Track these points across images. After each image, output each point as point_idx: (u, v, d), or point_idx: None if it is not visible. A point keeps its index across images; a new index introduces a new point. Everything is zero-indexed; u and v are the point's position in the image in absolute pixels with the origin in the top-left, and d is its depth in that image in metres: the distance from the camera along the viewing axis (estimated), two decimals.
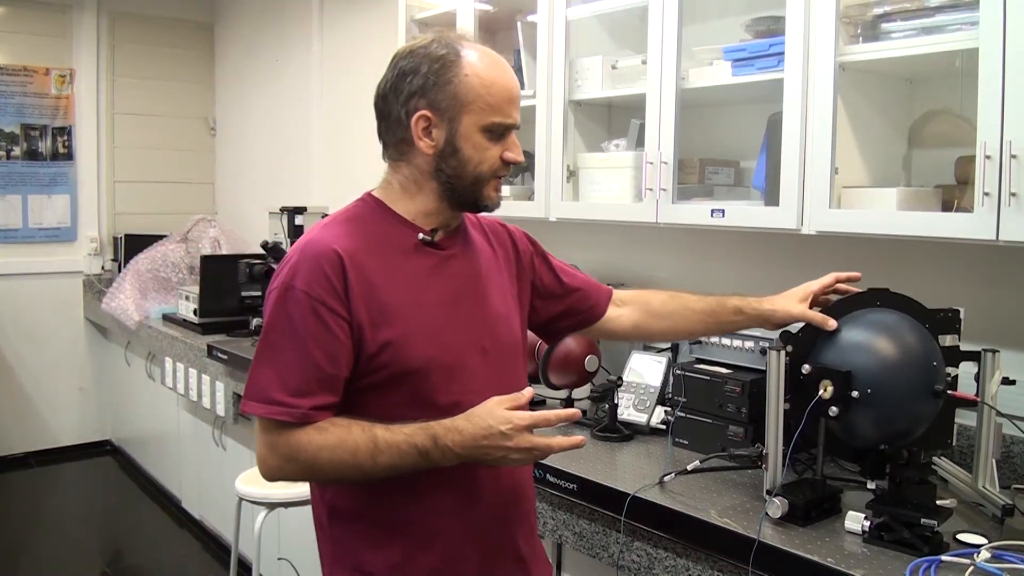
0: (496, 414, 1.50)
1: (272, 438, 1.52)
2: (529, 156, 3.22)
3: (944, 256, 2.39)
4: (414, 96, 1.58)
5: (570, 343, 2.66)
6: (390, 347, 1.55)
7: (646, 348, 3.07)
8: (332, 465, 1.51)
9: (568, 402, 2.73)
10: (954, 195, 2.16)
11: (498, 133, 1.59)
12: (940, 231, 2.01)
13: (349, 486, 1.63)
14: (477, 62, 1.57)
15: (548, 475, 2.24)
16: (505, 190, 3.19)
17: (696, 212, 2.49)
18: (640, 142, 2.70)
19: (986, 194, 1.88)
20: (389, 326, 1.55)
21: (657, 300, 1.99)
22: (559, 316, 1.92)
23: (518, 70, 3.16)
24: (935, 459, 2.19)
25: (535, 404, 2.83)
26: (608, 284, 3.05)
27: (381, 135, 1.65)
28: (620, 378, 2.57)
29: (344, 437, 1.51)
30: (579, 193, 2.88)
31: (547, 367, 2.68)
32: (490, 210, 1.65)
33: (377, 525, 1.62)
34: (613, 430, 2.51)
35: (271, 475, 1.54)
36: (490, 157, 1.60)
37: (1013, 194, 1.84)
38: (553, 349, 2.65)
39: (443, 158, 1.60)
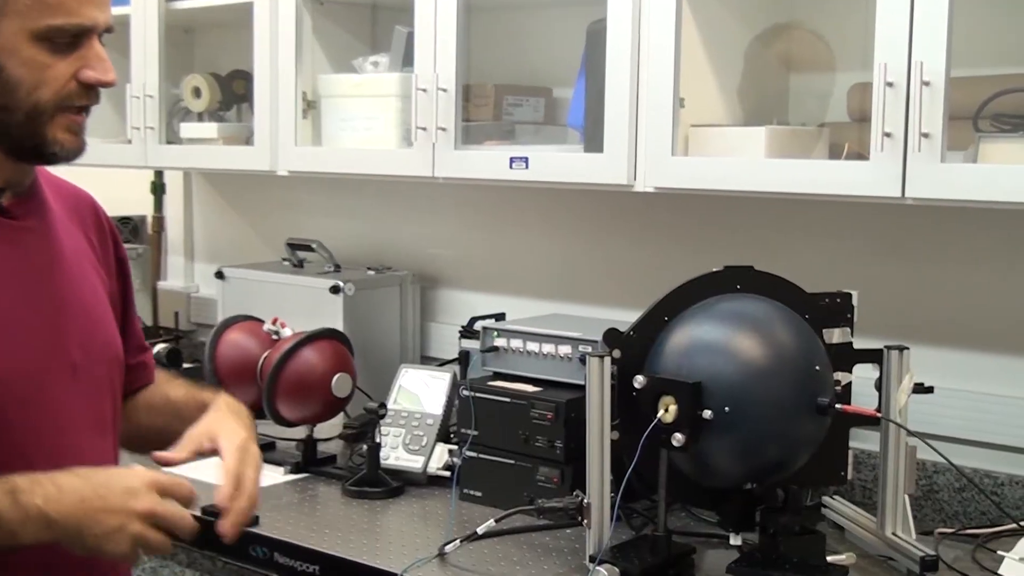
0: (123, 472, 1.49)
1: None
2: (244, 77, 3.13)
3: (831, 220, 2.45)
4: None
5: (309, 355, 2.57)
6: None
7: (424, 359, 3.05)
8: None
9: (309, 444, 2.64)
10: (846, 137, 2.21)
11: (63, 42, 1.51)
12: (826, 185, 2.04)
13: None
14: None
15: (277, 553, 2.18)
16: (202, 129, 3.10)
17: (489, 161, 2.47)
18: (408, 60, 2.65)
19: (887, 135, 1.92)
20: None
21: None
22: None
23: None
24: (825, 499, 2.24)
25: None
26: (370, 270, 3.10)
27: None
28: (384, 405, 2.52)
29: None
30: (322, 134, 2.82)
31: (274, 392, 2.57)
32: (62, 159, 1.59)
33: None
34: (374, 482, 2.46)
35: None
36: (54, 78, 1.51)
37: (925, 135, 1.89)
38: (283, 365, 2.55)
39: None
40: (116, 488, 1.46)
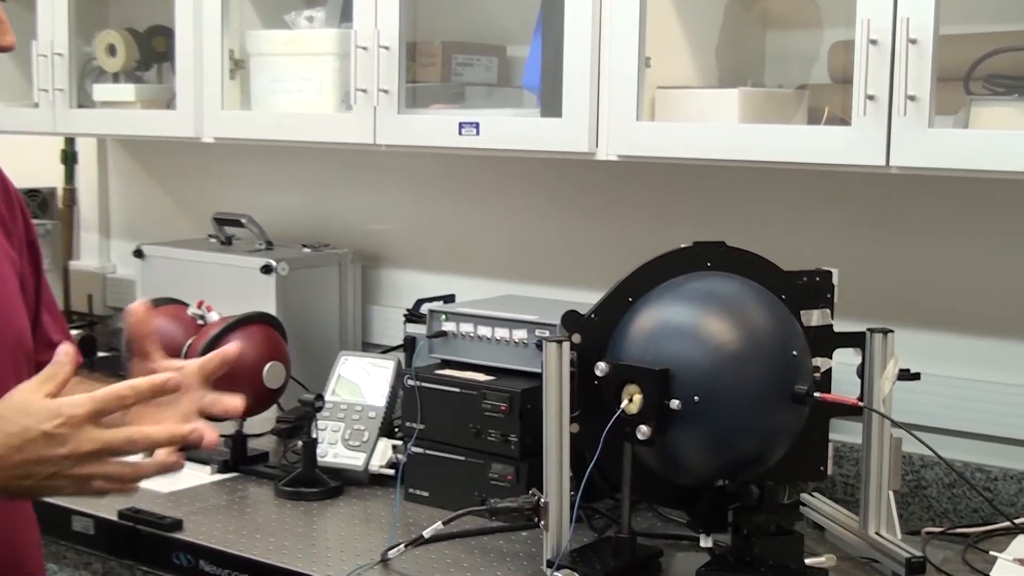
0: (35, 407, 1.40)
1: None
2: (164, 33, 3.11)
3: (810, 191, 2.48)
4: None
5: (238, 342, 2.56)
6: None
7: (366, 346, 3.05)
8: None
9: (238, 440, 2.64)
10: (827, 100, 2.23)
11: None
12: (804, 153, 2.06)
13: None
14: None
15: (202, 561, 2.19)
16: (117, 91, 3.09)
17: (437, 127, 2.48)
18: (347, 14, 2.64)
19: (870, 98, 1.94)
20: None
21: None
22: None
23: None
24: (803, 497, 2.25)
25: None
26: (306, 247, 3.09)
27: None
28: (321, 397, 2.52)
29: None
30: (251, 97, 2.82)
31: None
32: None
33: None
34: (310, 481, 2.46)
35: None
36: None
37: (911, 98, 1.90)
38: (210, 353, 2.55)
39: None
40: (37, 436, 1.39)
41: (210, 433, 1.49)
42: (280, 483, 2.48)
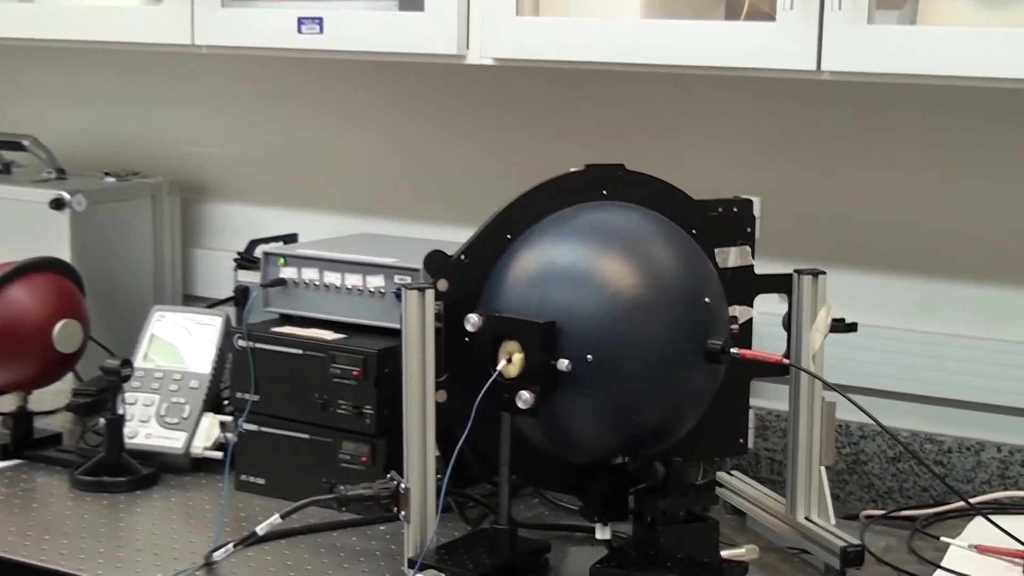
0: None
1: None
2: None
3: (726, 103, 2.51)
4: None
5: (19, 295, 2.54)
6: None
7: (187, 299, 3.06)
8: None
9: (22, 419, 2.62)
10: None
11: None
12: (719, 56, 2.08)
13: None
14: None
15: None
16: None
17: (270, 23, 2.48)
18: None
19: None
20: None
21: None
22: None
23: None
24: (720, 476, 2.29)
25: None
26: (108, 176, 3.03)
27: None
28: (129, 363, 2.51)
29: None
30: None
31: None
32: None
33: None
34: (116, 469, 2.45)
35: None
36: None
37: None
38: None
39: None
40: None
41: None
42: (77, 471, 2.47)
